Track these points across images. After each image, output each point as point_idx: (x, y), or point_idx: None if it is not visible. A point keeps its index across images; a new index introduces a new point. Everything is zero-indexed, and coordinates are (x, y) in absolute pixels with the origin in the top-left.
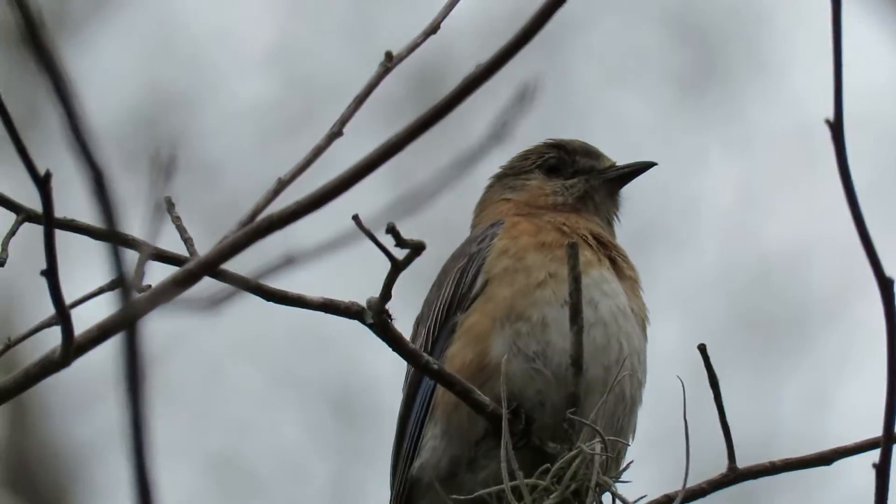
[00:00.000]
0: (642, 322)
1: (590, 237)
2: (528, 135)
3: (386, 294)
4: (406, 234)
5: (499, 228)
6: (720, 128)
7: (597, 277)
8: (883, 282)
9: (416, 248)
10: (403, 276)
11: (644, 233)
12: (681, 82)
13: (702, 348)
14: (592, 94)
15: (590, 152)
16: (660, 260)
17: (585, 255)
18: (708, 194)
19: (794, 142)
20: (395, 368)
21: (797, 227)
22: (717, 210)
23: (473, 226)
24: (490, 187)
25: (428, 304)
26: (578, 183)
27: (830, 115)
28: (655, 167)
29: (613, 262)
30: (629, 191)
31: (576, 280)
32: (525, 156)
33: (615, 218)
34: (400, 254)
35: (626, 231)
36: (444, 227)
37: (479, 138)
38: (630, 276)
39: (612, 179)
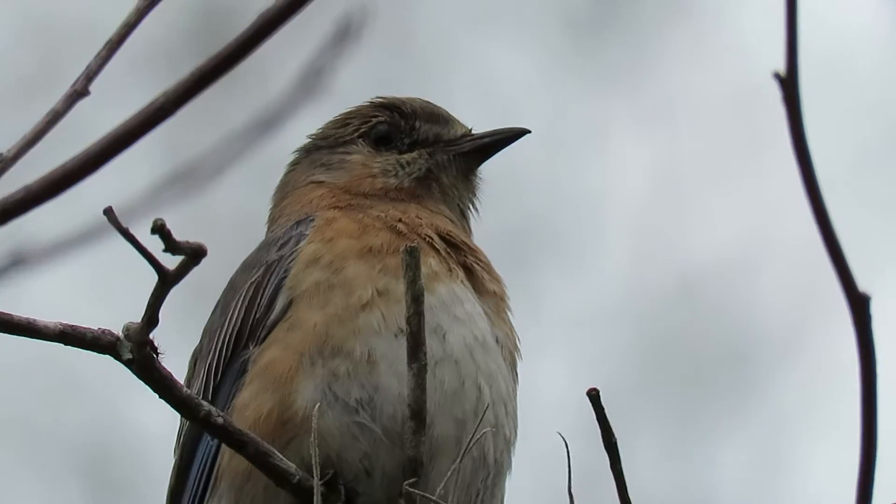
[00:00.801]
0: (511, 356)
1: (435, 237)
2: (351, 92)
3: (151, 319)
4: (180, 233)
5: (307, 227)
6: (628, 90)
7: (445, 295)
8: (855, 299)
9: (194, 255)
10: (177, 293)
11: (521, 233)
12: (574, 25)
13: (593, 395)
14: (448, 38)
15: (435, 116)
16: (544, 271)
17: (429, 263)
18: (612, 182)
19: (731, 109)
20: (166, 422)
21: (735, 228)
22: (624, 204)
23: (272, 221)
24: (294, 165)
25: (209, 333)
26: (419, 158)
27: (782, 67)
28: (529, 136)
29: (469, 271)
30: (495, 172)
31: (416, 299)
32: (344, 120)
33: (470, 208)
34: (171, 261)
35: (491, 229)
36: (235, 220)
37: (281, 94)
38: (493, 292)
39: (466, 153)
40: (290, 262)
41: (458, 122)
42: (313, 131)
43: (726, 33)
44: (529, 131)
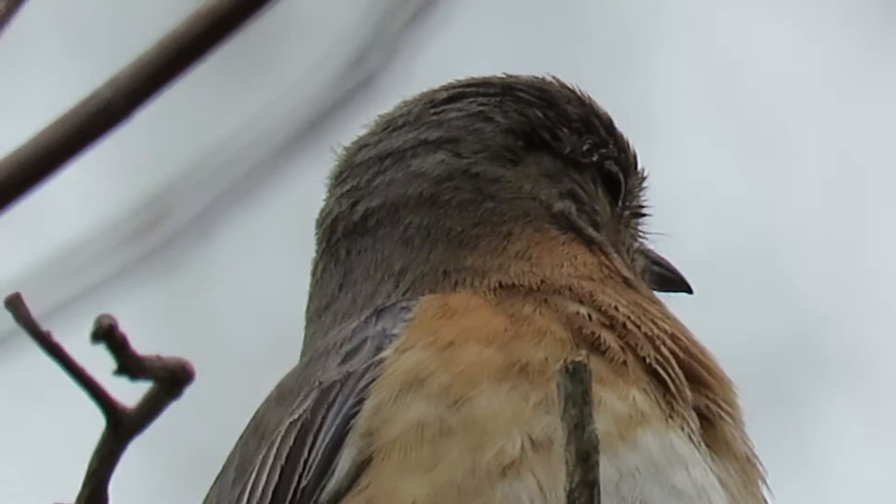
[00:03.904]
0: None
1: (663, 348)
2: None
3: (95, 496)
4: (148, 340)
5: (397, 319)
6: None
7: (656, 451)
8: None
9: (171, 380)
10: (148, 449)
11: (787, 347)
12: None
13: None
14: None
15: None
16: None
17: (631, 396)
18: None
19: None
20: None
21: None
22: None
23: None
24: (509, 165)
25: None
26: (638, 255)
27: None
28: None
29: (706, 419)
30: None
31: (583, 459)
32: (584, 119)
33: None
34: (131, 392)
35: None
36: (255, 309)
37: (321, 85)
38: (743, 455)
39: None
40: (366, 385)
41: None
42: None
43: None
44: (691, 292)
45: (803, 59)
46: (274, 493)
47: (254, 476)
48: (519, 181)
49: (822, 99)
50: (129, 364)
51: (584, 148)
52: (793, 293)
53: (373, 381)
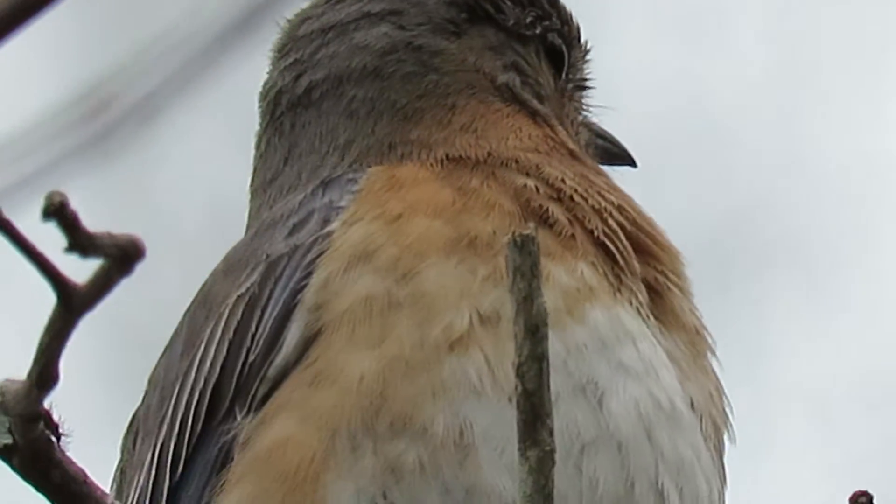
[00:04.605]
0: (716, 433)
1: (610, 220)
2: None
3: (45, 373)
4: (97, 217)
5: (344, 191)
6: None
7: (604, 326)
8: None
9: (122, 257)
10: (101, 326)
11: (731, 230)
12: None
13: (861, 502)
14: None
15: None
16: (771, 293)
17: (579, 270)
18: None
19: None
20: None
21: None
22: None
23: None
24: (448, 38)
25: (160, 389)
26: (583, 126)
27: None
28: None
29: (655, 292)
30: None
31: (531, 332)
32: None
33: None
34: (82, 269)
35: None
36: (202, 189)
37: None
38: (691, 326)
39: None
40: (313, 258)
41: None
42: None
43: None
44: (635, 166)
45: None
46: (222, 367)
47: (202, 349)
48: (462, 53)
49: None
50: (80, 241)
51: (527, 20)
52: (733, 169)
53: (320, 254)
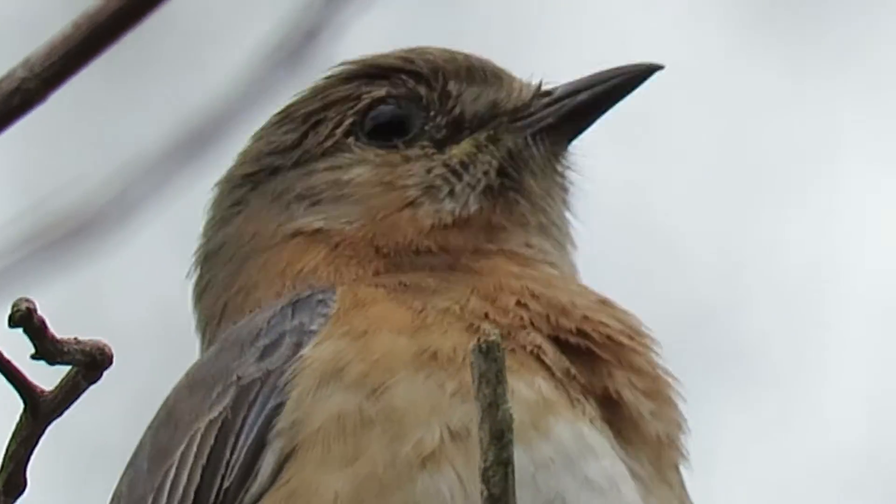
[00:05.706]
0: None
1: (543, 326)
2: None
3: (10, 482)
4: (65, 325)
5: (315, 314)
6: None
7: (569, 441)
8: None
9: (90, 364)
10: (68, 434)
11: (688, 323)
12: None
13: None
14: None
15: (476, 71)
16: (728, 400)
17: (536, 384)
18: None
19: None
20: None
21: None
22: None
23: (212, 318)
24: (236, 206)
25: None
26: (478, 151)
27: None
28: (660, 72)
29: (612, 403)
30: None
31: (497, 437)
32: (313, 112)
33: (567, 228)
34: (49, 376)
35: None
36: (162, 299)
37: (245, 72)
38: (655, 437)
39: (553, 125)
40: (287, 379)
41: (514, 75)
42: (252, 141)
43: None
44: (662, 67)
45: (686, 49)
46: (196, 493)
47: (173, 473)
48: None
49: (707, 87)
50: (48, 348)
51: (348, 123)
52: (675, 275)
53: (294, 374)
